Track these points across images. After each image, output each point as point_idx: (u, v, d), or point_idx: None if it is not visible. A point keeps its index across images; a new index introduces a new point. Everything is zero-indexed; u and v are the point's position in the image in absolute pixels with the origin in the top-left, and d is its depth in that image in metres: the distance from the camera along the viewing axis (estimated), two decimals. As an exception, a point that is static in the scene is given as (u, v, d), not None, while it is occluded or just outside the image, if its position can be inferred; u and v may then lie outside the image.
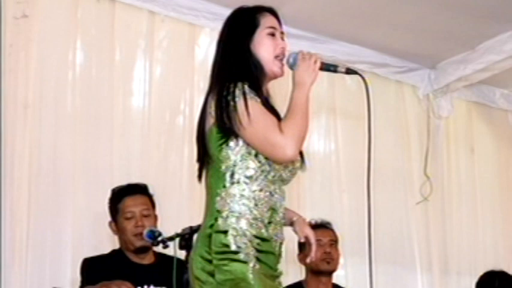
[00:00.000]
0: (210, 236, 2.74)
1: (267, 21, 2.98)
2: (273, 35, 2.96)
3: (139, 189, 4.38)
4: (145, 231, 4.03)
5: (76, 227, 4.67)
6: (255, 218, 2.75)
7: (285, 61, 2.94)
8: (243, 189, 2.77)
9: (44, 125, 4.69)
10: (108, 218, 4.36)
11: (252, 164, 2.77)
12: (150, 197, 4.40)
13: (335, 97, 5.95)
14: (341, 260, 5.11)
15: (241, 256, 2.68)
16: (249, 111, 2.72)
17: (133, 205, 4.30)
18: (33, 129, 4.61)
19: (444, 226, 6.28)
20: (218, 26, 5.20)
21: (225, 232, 2.71)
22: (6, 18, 4.53)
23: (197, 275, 2.75)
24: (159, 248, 4.03)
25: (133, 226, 4.25)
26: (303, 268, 5.07)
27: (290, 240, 5.10)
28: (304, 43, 5.46)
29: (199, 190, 4.88)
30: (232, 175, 2.78)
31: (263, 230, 2.76)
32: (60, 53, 4.83)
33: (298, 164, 2.91)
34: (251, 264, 2.68)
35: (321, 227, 4.95)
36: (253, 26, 2.96)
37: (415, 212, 6.14)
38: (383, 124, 6.17)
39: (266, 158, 2.76)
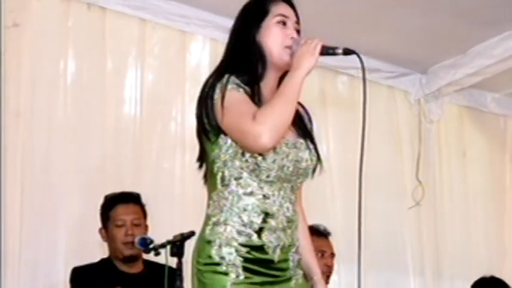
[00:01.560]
0: (199, 245, 2.67)
1: (278, 9, 2.77)
2: (283, 23, 2.76)
3: (132, 198, 4.39)
4: (137, 239, 4.03)
5: (69, 235, 4.68)
6: (244, 225, 2.61)
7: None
8: (231, 192, 2.63)
9: (36, 133, 4.70)
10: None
11: (238, 163, 2.61)
12: (142, 207, 4.41)
13: (326, 103, 5.95)
14: (334, 266, 5.11)
15: (223, 268, 2.58)
16: (224, 104, 2.56)
17: (124, 213, 4.32)
18: (25, 137, 4.61)
19: (437, 230, 6.28)
20: (209, 33, 5.28)
21: (210, 242, 2.61)
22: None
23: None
24: (148, 256, 4.03)
25: (123, 234, 4.27)
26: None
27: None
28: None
29: (192, 197, 4.94)
30: (222, 177, 2.65)
31: (254, 237, 2.61)
32: (51, 61, 4.83)
33: (305, 163, 2.70)
34: (233, 275, 2.56)
35: (323, 236, 4.89)
36: (261, 14, 2.76)
37: (407, 217, 6.14)
38: (375, 129, 6.18)
39: (253, 157, 2.58)
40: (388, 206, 6.08)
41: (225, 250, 2.59)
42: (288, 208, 2.69)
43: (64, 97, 4.83)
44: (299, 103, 2.80)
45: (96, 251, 4.53)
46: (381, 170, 6.07)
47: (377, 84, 6.22)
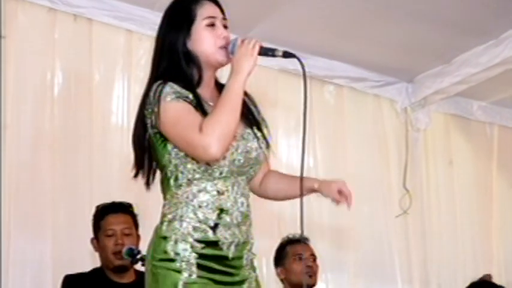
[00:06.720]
0: (154, 241, 2.70)
1: (204, 11, 2.77)
2: (212, 25, 2.76)
3: (122, 208, 4.39)
4: (124, 249, 4.03)
5: (56, 246, 4.67)
6: (199, 221, 2.64)
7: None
8: (186, 192, 2.67)
9: (23, 145, 4.69)
10: (88, 237, 4.38)
11: (190, 165, 2.66)
12: (133, 217, 4.40)
13: (313, 112, 5.95)
14: (322, 274, 5.11)
15: (176, 264, 2.61)
16: (167, 115, 2.62)
17: (114, 223, 4.31)
18: (11, 149, 4.60)
19: (424, 238, 6.29)
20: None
21: (166, 238, 2.65)
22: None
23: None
24: (140, 266, 4.03)
25: (113, 244, 4.26)
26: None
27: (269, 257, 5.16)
28: (282, 58, 5.48)
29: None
30: (176, 179, 2.69)
31: (209, 233, 2.65)
32: (38, 73, 4.83)
33: (255, 153, 2.76)
34: (185, 274, 2.60)
35: (300, 242, 4.93)
36: (189, 20, 2.76)
37: (394, 225, 6.15)
38: (361, 138, 6.20)
39: None
40: (375, 214, 6.09)
41: (181, 246, 2.63)
42: (242, 203, 2.74)
43: (51, 108, 4.83)
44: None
45: (84, 261, 4.54)
46: (368, 179, 6.08)
47: (363, 93, 6.24)
